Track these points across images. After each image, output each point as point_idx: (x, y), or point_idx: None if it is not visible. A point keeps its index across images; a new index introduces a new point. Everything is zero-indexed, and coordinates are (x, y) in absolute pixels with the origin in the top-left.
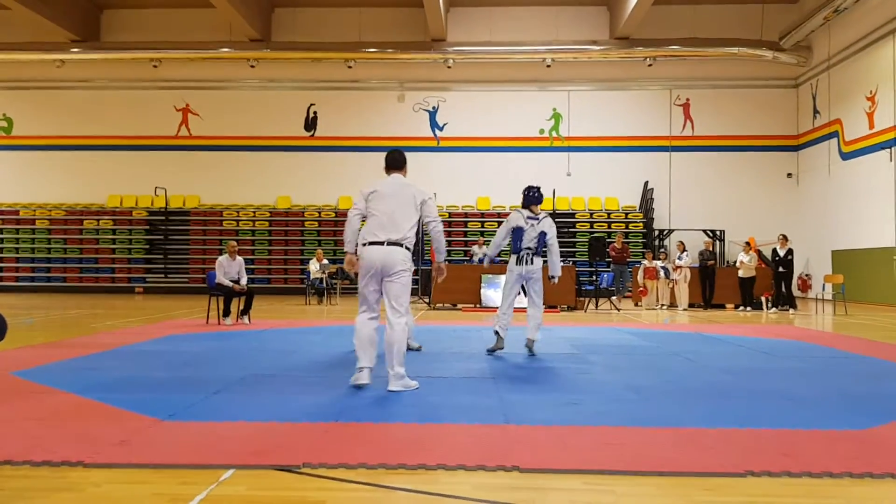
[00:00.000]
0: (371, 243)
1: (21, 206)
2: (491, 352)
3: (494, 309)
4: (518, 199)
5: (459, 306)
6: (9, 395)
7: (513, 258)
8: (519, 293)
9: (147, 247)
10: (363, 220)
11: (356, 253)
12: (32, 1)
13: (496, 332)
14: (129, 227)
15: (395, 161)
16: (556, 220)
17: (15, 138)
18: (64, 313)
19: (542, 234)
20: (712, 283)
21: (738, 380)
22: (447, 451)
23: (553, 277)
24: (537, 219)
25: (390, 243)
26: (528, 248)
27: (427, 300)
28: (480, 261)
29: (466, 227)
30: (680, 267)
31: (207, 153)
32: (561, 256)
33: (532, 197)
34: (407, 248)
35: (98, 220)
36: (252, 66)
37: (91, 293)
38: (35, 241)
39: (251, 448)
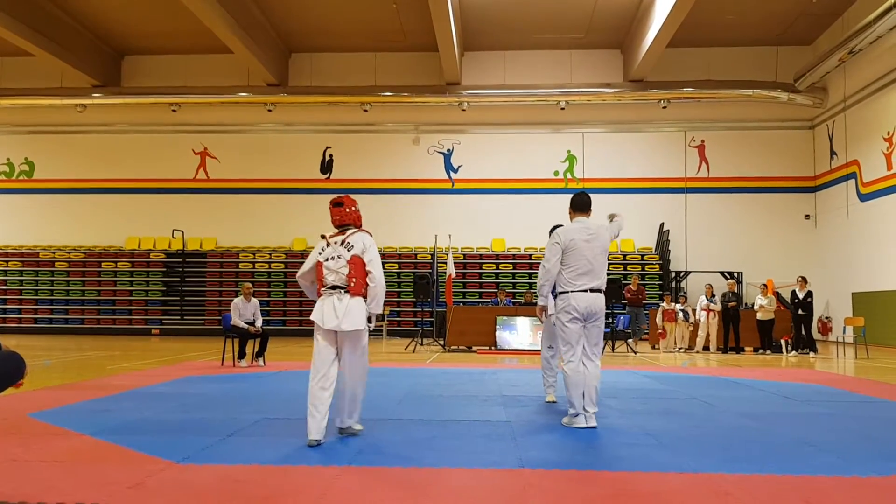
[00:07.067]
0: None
1: (41, 248)
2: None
3: (509, 351)
4: (532, 242)
5: (475, 348)
6: (25, 437)
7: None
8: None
9: (164, 288)
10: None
11: None
12: (55, 48)
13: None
14: (147, 268)
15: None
16: None
17: (36, 182)
18: (81, 355)
19: None
20: (736, 325)
21: (757, 424)
22: (462, 497)
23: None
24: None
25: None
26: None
27: (442, 343)
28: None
29: (481, 269)
30: (713, 310)
31: (225, 196)
32: None
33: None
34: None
35: (116, 262)
36: (269, 111)
37: (108, 335)
38: (54, 283)
39: (265, 492)
